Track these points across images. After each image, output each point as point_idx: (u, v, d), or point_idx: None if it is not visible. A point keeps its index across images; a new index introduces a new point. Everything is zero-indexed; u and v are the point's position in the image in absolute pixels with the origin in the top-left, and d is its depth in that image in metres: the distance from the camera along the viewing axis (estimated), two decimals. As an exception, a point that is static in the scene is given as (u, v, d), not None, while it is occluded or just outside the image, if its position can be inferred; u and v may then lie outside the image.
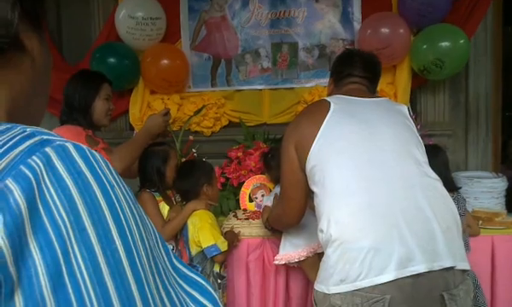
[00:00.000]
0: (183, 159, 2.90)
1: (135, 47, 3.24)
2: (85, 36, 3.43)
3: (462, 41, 2.92)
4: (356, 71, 1.86)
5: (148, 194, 2.31)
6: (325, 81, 3.24)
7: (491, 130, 3.25)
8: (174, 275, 0.56)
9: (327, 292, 1.47)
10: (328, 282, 1.47)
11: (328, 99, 1.74)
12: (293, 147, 1.69)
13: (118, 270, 0.45)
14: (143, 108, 3.36)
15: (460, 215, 2.27)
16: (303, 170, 1.67)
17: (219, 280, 2.20)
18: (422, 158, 1.65)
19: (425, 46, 2.97)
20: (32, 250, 0.42)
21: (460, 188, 2.47)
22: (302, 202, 1.76)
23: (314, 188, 1.64)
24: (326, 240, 1.52)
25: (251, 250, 2.44)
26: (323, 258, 1.54)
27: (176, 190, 2.42)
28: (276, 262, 2.26)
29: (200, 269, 2.17)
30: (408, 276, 1.39)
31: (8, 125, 0.49)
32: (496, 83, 3.24)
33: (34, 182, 0.43)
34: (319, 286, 1.52)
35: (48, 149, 0.46)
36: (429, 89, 3.24)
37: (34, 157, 0.45)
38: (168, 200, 2.43)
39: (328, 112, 1.65)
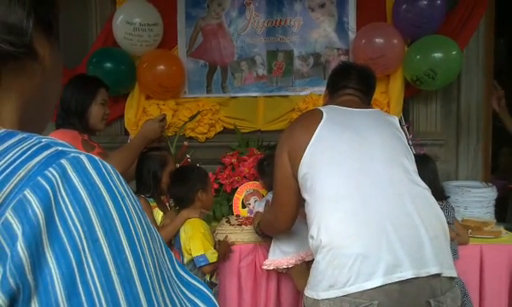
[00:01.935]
0: (178, 165, 2.92)
1: (131, 52, 3.27)
2: (82, 40, 3.45)
3: (454, 52, 2.96)
4: (350, 83, 1.91)
5: (143, 201, 2.32)
6: (320, 89, 3.29)
7: (481, 140, 3.28)
8: (177, 282, 0.57)
9: (316, 298, 1.50)
10: (318, 288, 1.50)
11: (320, 108, 1.78)
12: (287, 154, 1.73)
13: (127, 279, 0.46)
14: (139, 113, 3.37)
15: (449, 223, 2.31)
16: (295, 177, 1.71)
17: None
18: (411, 167, 1.69)
19: (418, 57, 3.01)
20: (49, 259, 0.44)
21: (449, 197, 2.51)
22: (294, 208, 1.80)
23: (305, 196, 1.67)
24: (316, 247, 1.55)
25: (243, 256, 2.46)
26: (313, 264, 1.57)
27: (170, 196, 2.43)
28: (265, 267, 2.28)
29: None
30: (395, 282, 1.42)
31: (24, 135, 0.51)
32: (487, 94, 3.27)
33: (51, 194, 0.45)
34: (309, 292, 1.55)
35: (63, 161, 0.47)
36: (421, 98, 3.27)
37: (51, 168, 0.46)
38: (162, 206, 2.44)
39: (320, 121, 1.69)
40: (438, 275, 1.48)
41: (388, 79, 3.24)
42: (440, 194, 2.43)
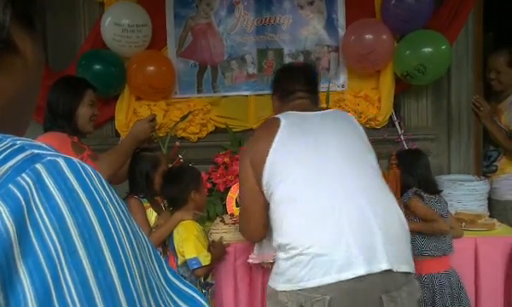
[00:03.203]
0: (170, 165, 2.90)
1: (121, 54, 3.25)
2: (71, 43, 3.42)
3: (443, 47, 2.98)
4: (299, 85, 1.96)
5: (136, 201, 2.30)
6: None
7: (472, 133, 3.31)
8: (167, 289, 0.53)
9: (276, 289, 1.62)
10: (278, 281, 1.62)
11: (278, 116, 1.83)
12: (250, 164, 1.79)
13: (110, 292, 0.42)
14: (129, 115, 3.35)
15: (443, 217, 2.34)
16: (260, 185, 1.76)
17: (204, 290, 2.19)
18: (370, 162, 1.76)
19: (408, 52, 3.03)
20: (21, 274, 0.40)
21: (441, 191, 2.51)
22: (262, 218, 1.81)
23: (269, 200, 1.74)
24: (277, 245, 1.67)
25: (238, 255, 2.44)
26: (276, 259, 1.69)
27: (163, 196, 2.41)
28: (251, 260, 2.27)
29: (187, 279, 2.16)
30: (348, 279, 1.49)
31: None
32: (477, 89, 3.30)
33: (23, 202, 0.41)
34: (271, 282, 1.67)
35: (38, 166, 0.43)
36: (412, 94, 3.29)
37: (24, 174, 0.42)
38: (156, 206, 2.42)
39: (278, 128, 1.75)
40: (390, 271, 1.53)
41: (379, 75, 3.25)
42: (433, 188, 2.45)
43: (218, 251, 2.29)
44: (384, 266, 1.51)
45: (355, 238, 1.53)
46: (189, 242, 2.13)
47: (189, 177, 2.28)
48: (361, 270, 1.50)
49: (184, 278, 2.17)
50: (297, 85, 1.96)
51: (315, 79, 2.05)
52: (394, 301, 1.52)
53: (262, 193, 1.76)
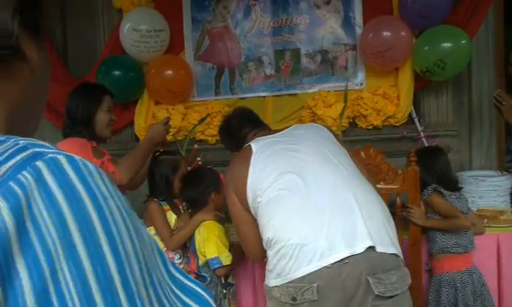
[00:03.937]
0: (189, 168, 2.93)
1: (139, 59, 3.29)
2: (91, 49, 3.49)
3: (463, 42, 2.92)
4: (246, 129, 2.10)
5: (156, 204, 2.33)
6: (328, 86, 3.32)
7: (494, 129, 3.24)
8: (170, 284, 0.54)
9: (269, 285, 1.67)
10: (270, 277, 1.68)
11: (249, 143, 1.92)
12: (234, 192, 1.86)
13: (109, 287, 0.43)
14: (148, 119, 3.39)
15: (464, 213, 2.31)
16: (247, 209, 1.82)
17: (225, 290, 2.20)
18: (343, 158, 1.82)
19: (427, 48, 2.98)
20: (20, 269, 0.41)
21: (461, 188, 2.48)
22: (256, 237, 1.84)
23: (257, 216, 1.78)
24: (266, 243, 1.71)
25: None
26: (267, 257, 1.73)
27: (183, 199, 2.43)
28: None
29: (208, 278, 2.18)
30: (333, 264, 1.53)
31: (2, 138, 0.48)
32: (498, 84, 3.23)
33: (23, 199, 0.42)
34: (265, 280, 1.72)
35: (39, 163, 0.44)
36: (432, 90, 3.24)
37: (24, 172, 0.43)
38: (176, 209, 2.45)
39: (252, 153, 1.84)
40: (373, 250, 1.55)
41: (397, 72, 3.21)
42: (453, 185, 2.42)
43: (238, 252, 2.30)
44: (367, 243, 1.54)
45: (336, 223, 1.58)
46: (210, 242, 2.15)
47: (208, 179, 2.31)
48: (343, 253, 1.53)
49: (205, 278, 2.20)
50: (244, 129, 2.10)
51: (252, 114, 2.20)
52: (383, 283, 1.52)
53: (251, 215, 1.82)
